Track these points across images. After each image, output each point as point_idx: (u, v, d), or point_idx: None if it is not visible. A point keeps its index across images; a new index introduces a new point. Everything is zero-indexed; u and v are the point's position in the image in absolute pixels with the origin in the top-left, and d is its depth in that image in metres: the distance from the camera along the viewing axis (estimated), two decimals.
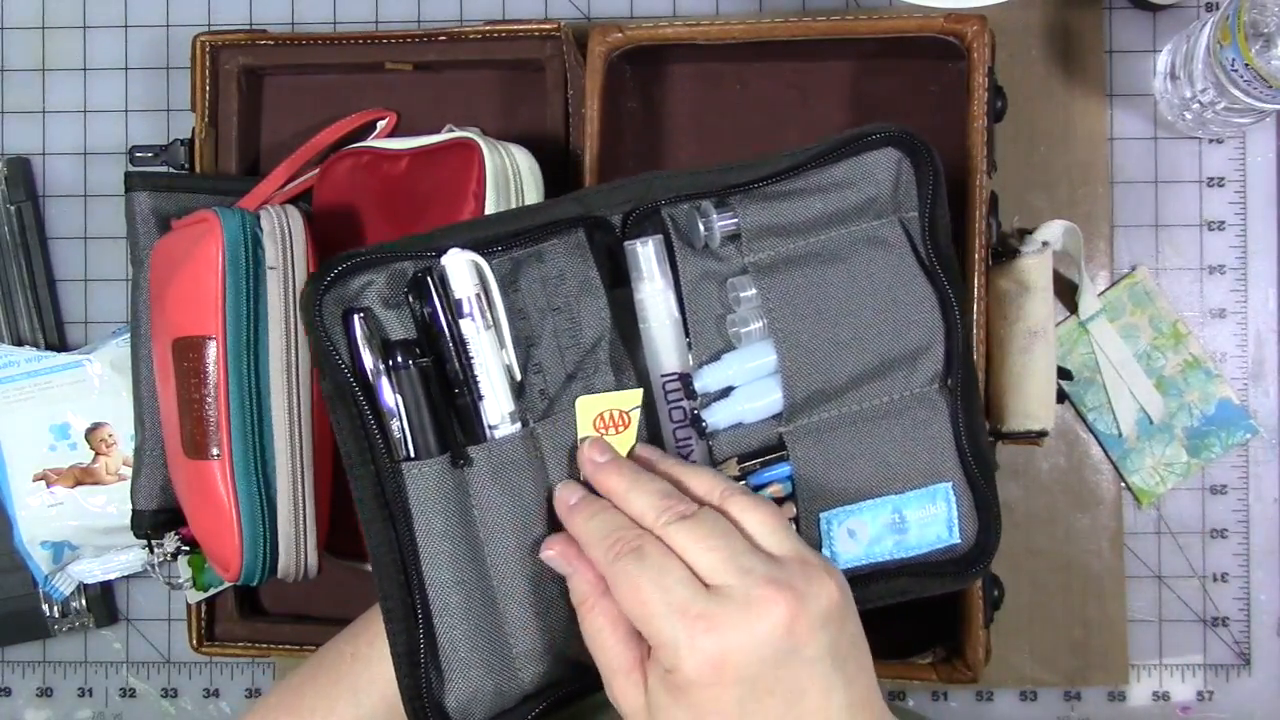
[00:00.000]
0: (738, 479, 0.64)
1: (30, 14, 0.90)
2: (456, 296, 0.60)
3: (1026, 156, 0.84)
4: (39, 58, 0.90)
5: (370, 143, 0.80)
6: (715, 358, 0.64)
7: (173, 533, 0.78)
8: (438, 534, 0.60)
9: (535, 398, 0.63)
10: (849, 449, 0.63)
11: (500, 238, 0.61)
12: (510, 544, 0.61)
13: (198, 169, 0.82)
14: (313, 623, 0.83)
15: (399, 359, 0.60)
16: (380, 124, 0.83)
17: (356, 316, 0.60)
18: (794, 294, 0.63)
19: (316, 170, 0.80)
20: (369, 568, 0.66)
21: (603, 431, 0.62)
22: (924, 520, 0.64)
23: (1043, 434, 0.76)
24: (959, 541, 0.65)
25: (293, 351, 0.70)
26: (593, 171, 0.75)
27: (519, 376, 0.62)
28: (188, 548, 0.78)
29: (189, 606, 0.83)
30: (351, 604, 0.71)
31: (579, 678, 0.62)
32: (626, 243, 0.63)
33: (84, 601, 0.88)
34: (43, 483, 0.84)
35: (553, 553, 0.59)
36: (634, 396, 0.63)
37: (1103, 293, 0.84)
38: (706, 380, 0.63)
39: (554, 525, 0.62)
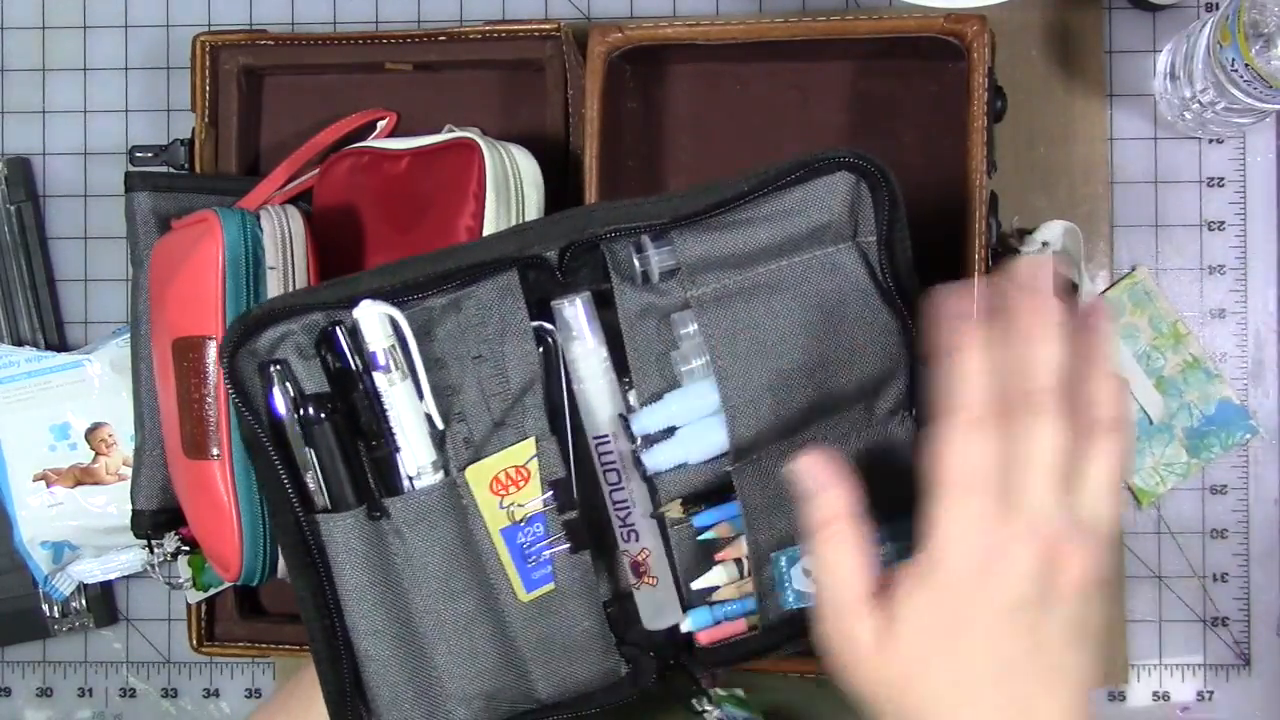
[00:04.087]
0: (681, 521, 0.62)
1: (30, 14, 0.90)
2: (370, 350, 0.59)
3: (1026, 156, 0.84)
4: (39, 58, 0.90)
5: (370, 143, 0.80)
6: (657, 397, 0.61)
7: (173, 533, 0.78)
8: (356, 586, 0.61)
9: (459, 445, 0.62)
10: None
11: (426, 281, 0.59)
12: (434, 590, 0.61)
13: (198, 169, 0.82)
14: None
15: (310, 412, 0.60)
16: (380, 124, 0.83)
17: (273, 369, 0.60)
18: (737, 330, 0.60)
19: (316, 170, 0.80)
20: None
21: (502, 495, 0.61)
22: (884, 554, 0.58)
23: None
24: None
25: None
26: (592, 171, 0.75)
27: (440, 426, 0.61)
28: (188, 548, 0.78)
29: (189, 606, 0.83)
30: None
31: (515, 718, 0.63)
32: (554, 302, 0.61)
33: (84, 601, 0.88)
34: (43, 483, 0.84)
35: (800, 466, 0.53)
36: (527, 448, 0.61)
37: (1103, 293, 0.84)
38: (645, 422, 0.61)
39: (477, 571, 0.62)
